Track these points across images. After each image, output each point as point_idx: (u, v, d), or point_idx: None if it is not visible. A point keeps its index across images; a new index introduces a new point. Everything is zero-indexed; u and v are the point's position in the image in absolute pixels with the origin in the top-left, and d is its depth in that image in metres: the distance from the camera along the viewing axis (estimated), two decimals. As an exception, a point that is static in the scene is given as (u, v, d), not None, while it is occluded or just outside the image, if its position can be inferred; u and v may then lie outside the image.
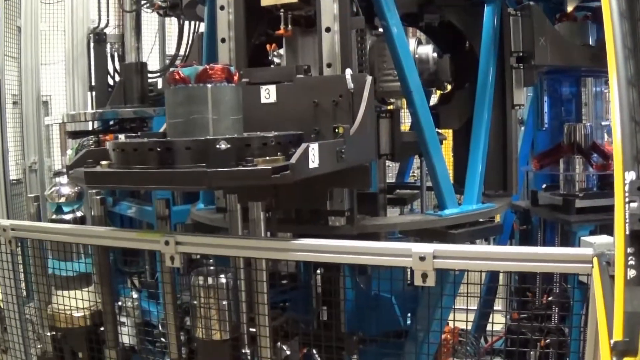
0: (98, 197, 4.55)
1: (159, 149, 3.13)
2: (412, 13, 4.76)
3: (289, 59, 4.27)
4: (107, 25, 7.74)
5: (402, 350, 4.31)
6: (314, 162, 3.11)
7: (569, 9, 5.09)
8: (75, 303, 4.59)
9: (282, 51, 4.31)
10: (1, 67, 7.44)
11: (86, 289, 4.69)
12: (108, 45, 7.70)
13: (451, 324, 4.39)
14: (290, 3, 3.82)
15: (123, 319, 5.30)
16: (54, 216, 4.99)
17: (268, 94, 3.79)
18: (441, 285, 3.39)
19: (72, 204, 4.92)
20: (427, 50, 4.50)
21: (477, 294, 5.15)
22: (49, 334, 4.77)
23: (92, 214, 4.54)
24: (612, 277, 2.55)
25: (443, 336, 4.69)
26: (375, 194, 4.55)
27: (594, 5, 5.38)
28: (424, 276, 3.08)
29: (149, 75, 7.28)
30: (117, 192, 6.73)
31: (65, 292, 4.61)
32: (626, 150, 2.55)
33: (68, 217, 4.99)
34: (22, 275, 4.89)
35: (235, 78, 3.40)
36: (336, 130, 3.40)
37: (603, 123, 6.31)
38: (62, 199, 4.96)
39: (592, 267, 2.80)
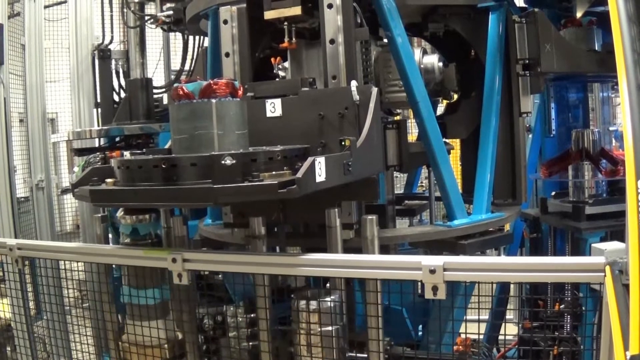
0: (180, 217, 4.15)
1: (163, 166, 3.11)
2: (416, 23, 4.75)
3: (294, 72, 4.26)
4: (111, 42, 7.74)
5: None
6: (320, 175, 3.08)
7: (578, 14, 5.06)
8: (151, 333, 4.16)
9: (286, 64, 4.29)
10: (6, 85, 7.42)
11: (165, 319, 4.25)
12: (113, 62, 7.70)
13: (463, 335, 4.36)
14: (294, 15, 3.79)
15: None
16: (127, 240, 4.33)
17: (273, 107, 3.77)
18: (452, 297, 3.35)
19: (150, 226, 4.30)
20: (433, 60, 4.47)
21: (488, 304, 5.11)
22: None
23: (174, 234, 4.11)
24: (626, 286, 2.51)
25: (455, 348, 4.64)
26: (383, 206, 4.52)
27: (599, 10, 5.35)
28: (435, 289, 3.04)
29: (155, 90, 7.27)
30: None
31: (143, 322, 4.16)
32: (638, 156, 2.51)
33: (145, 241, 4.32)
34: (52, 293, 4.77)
35: (240, 92, 3.37)
36: (343, 143, 3.37)
37: (611, 128, 6.27)
38: (139, 221, 4.28)
39: (605, 276, 2.75)
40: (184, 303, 4.05)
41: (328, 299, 3.65)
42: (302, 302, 3.67)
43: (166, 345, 4.14)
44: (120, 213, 4.20)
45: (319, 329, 3.62)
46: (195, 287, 4.17)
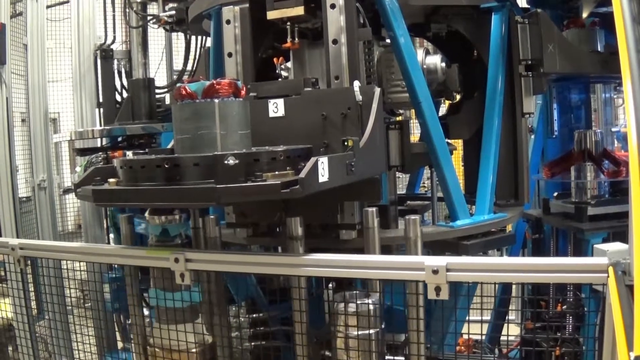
0: (212, 217, 3.97)
1: (166, 166, 3.10)
2: (419, 23, 4.75)
3: (297, 72, 4.25)
4: (113, 42, 7.75)
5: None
6: (323, 176, 3.07)
7: (584, 14, 5.06)
8: (182, 338, 3.92)
9: (289, 64, 4.29)
10: (8, 84, 7.42)
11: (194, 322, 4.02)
12: (115, 62, 7.71)
13: (465, 335, 4.35)
14: (297, 16, 3.80)
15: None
16: (155, 241, 4.08)
17: (276, 107, 3.77)
18: (455, 297, 3.35)
19: (180, 227, 4.09)
20: (435, 61, 4.47)
21: (490, 304, 5.11)
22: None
23: (208, 235, 3.95)
24: (629, 286, 2.51)
25: (457, 348, 4.64)
26: (386, 206, 4.51)
27: (602, 10, 5.35)
28: (438, 289, 3.04)
29: (157, 90, 7.27)
30: (127, 209, 6.71)
31: (171, 327, 3.93)
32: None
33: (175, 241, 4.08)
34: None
35: (243, 92, 3.37)
36: (345, 143, 3.37)
37: (613, 129, 6.27)
38: (168, 221, 4.04)
39: (608, 277, 2.75)
40: (216, 306, 3.97)
41: (369, 301, 3.60)
42: (342, 305, 3.63)
43: (195, 350, 3.98)
44: (147, 214, 4.08)
45: (359, 332, 3.58)
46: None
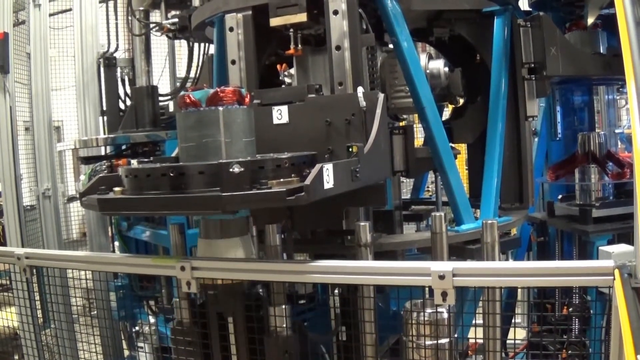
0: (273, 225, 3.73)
1: (171, 174, 3.10)
2: (421, 28, 4.74)
3: (300, 79, 4.26)
4: (116, 50, 7.75)
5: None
6: (328, 182, 3.07)
7: (589, 21, 5.06)
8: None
9: (292, 71, 4.29)
10: (12, 93, 7.43)
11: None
12: (118, 70, 7.71)
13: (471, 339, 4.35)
14: (300, 22, 3.81)
15: (140, 344, 5.24)
16: None
17: (280, 114, 3.77)
18: (461, 302, 3.35)
19: None
20: (439, 65, 4.47)
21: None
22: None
23: (270, 243, 3.72)
24: (635, 289, 2.51)
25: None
26: (391, 211, 4.51)
27: (604, 12, 5.35)
28: (444, 295, 3.04)
29: (160, 98, 7.28)
30: (132, 217, 6.72)
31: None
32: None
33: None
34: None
35: (247, 100, 3.37)
36: (350, 150, 3.37)
37: (616, 131, 6.27)
38: None
39: (614, 279, 2.75)
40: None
41: (443, 310, 3.54)
42: (417, 315, 3.59)
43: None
44: None
45: (435, 342, 3.55)
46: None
